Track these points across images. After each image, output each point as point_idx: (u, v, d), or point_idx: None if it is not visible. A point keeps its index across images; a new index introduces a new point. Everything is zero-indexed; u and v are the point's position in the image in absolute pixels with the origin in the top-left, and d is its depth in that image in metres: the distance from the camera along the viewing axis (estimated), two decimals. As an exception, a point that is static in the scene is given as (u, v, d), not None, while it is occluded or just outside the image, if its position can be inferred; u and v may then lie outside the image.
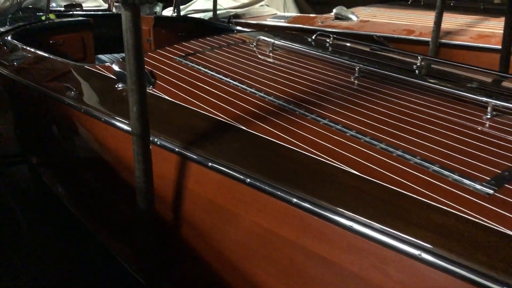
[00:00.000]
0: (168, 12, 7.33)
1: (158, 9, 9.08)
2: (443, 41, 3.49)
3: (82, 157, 2.33)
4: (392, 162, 1.28)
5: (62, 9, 5.39)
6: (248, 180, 1.33)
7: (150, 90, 2.01)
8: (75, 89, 2.20)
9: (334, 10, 4.51)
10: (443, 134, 1.40)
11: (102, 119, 1.92)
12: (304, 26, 4.63)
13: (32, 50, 3.06)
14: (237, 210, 1.40)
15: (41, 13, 4.87)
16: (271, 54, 2.34)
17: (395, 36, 3.74)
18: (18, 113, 3.27)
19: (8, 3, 5.43)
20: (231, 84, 1.93)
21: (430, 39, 3.39)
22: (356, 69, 1.94)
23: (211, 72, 2.07)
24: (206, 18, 5.75)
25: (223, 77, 2.00)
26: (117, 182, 1.99)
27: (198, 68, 2.15)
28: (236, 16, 5.62)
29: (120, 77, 2.11)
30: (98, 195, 2.28)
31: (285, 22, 4.91)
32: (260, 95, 1.79)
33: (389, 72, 1.92)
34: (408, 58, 2.44)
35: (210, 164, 1.45)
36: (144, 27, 4.62)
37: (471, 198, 1.10)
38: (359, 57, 2.32)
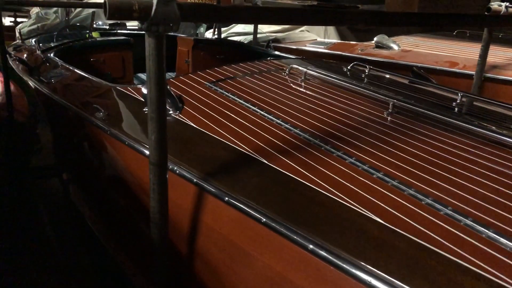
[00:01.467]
0: (209, 34, 7.44)
1: (202, 29, 9.25)
2: (489, 75, 3.33)
3: (106, 179, 2.32)
4: (420, 211, 1.18)
5: (107, 27, 5.55)
6: (264, 219, 1.25)
7: (176, 115, 1.99)
8: (104, 110, 2.20)
9: (375, 39, 4.42)
10: (480, 183, 1.29)
11: (126, 143, 1.90)
12: (344, 53, 4.55)
13: (71, 68, 3.12)
14: (251, 250, 1.32)
15: (86, 31, 5.03)
16: (303, 84, 2.27)
17: (437, 67, 3.60)
18: (54, 128, 3.33)
19: (57, 20, 5.64)
20: (258, 113, 1.88)
21: (474, 72, 3.24)
22: (390, 104, 1.84)
23: (239, 100, 2.03)
24: (246, 42, 5.78)
25: (250, 106, 1.95)
26: (137, 207, 1.95)
27: (226, 95, 2.11)
28: (276, 40, 5.61)
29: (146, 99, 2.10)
30: (119, 218, 2.26)
31: (324, 48, 4.85)
32: (286, 127, 1.72)
33: (425, 110, 1.81)
34: (448, 94, 2.31)
35: (226, 198, 1.38)
36: (184, 48, 4.68)
37: (508, 261, 0.98)
38: (395, 90, 2.22)
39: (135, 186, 1.96)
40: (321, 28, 5.64)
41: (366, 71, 2.53)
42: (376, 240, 1.09)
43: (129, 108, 2.23)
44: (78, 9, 5.45)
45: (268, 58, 2.91)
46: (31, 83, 3.46)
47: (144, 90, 2.12)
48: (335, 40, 5.63)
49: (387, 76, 2.61)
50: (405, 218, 1.15)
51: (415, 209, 1.18)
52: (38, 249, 2.94)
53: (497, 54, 3.68)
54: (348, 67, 2.60)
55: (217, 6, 1.36)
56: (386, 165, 1.40)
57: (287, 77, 2.38)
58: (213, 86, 2.24)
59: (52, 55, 3.60)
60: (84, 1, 6.15)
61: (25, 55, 4.13)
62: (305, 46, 5.09)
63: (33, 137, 4.11)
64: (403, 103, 1.87)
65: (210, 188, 1.46)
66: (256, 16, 1.36)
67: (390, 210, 1.18)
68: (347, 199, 1.24)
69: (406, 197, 1.23)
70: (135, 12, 1.25)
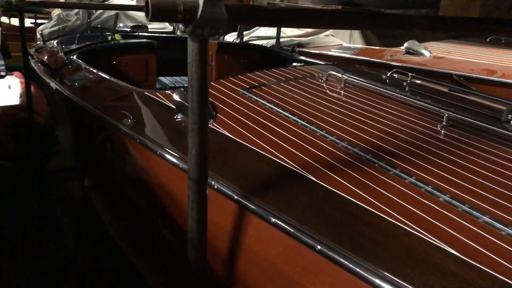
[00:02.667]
0: (231, 37, 7.34)
1: (220, 33, 9.16)
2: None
3: (132, 188, 2.21)
4: (500, 242, 1.03)
5: (129, 29, 5.47)
6: (319, 247, 1.12)
7: (210, 124, 1.86)
8: (132, 116, 2.09)
9: (406, 44, 4.26)
10: None
11: (157, 153, 1.78)
12: (372, 59, 4.40)
13: (94, 71, 3.03)
14: (300, 278, 1.19)
15: (109, 33, 4.96)
16: (342, 92, 2.13)
17: (475, 76, 3.43)
18: (76, 131, 3.24)
19: (78, 22, 5.58)
20: (299, 123, 1.74)
21: (516, 81, 3.07)
22: (444, 116, 1.69)
23: (277, 108, 1.90)
24: (269, 46, 5.66)
25: (289, 115, 1.82)
26: (166, 220, 1.83)
27: (262, 103, 1.98)
28: (300, 45, 5.48)
29: (180, 107, 1.98)
30: (145, 229, 2.14)
31: (351, 54, 4.71)
32: (332, 140, 1.58)
33: (483, 123, 1.66)
34: (498, 105, 2.16)
35: (273, 220, 1.25)
36: (207, 52, 4.57)
37: None
38: (442, 100, 2.07)
39: (164, 198, 1.84)
40: (346, 33, 5.50)
41: (408, 79, 2.37)
42: (455, 277, 0.95)
43: (158, 116, 2.12)
44: (100, 11, 5.38)
45: (299, 64, 2.78)
46: (53, 85, 3.38)
47: (176, 97, 2.00)
48: (360, 45, 5.48)
49: (428, 84, 2.46)
50: (483, 250, 1.01)
51: (494, 239, 1.04)
52: (56, 252, 2.87)
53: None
54: (388, 75, 2.46)
55: (268, 7, 1.23)
56: (451, 186, 1.25)
57: (324, 84, 2.24)
58: (247, 93, 2.12)
59: (75, 57, 3.52)
60: (105, 3, 6.10)
61: (47, 57, 4.06)
62: (331, 51, 4.95)
63: (52, 139, 4.03)
64: (457, 115, 1.73)
65: (253, 206, 1.33)
66: (312, 19, 1.23)
67: (466, 240, 1.04)
68: (414, 226, 1.10)
69: (482, 225, 1.09)
70: (180, 14, 1.13)
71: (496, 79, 3.32)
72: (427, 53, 4.11)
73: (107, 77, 2.87)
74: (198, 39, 1.21)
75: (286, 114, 1.84)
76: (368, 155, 1.45)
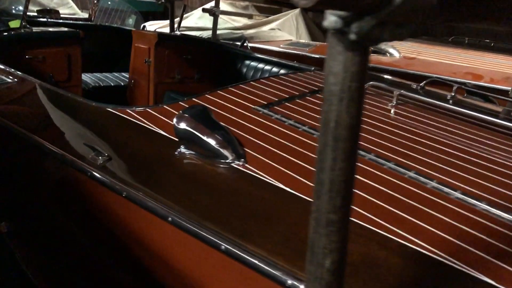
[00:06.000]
0: (151, 27, 6.49)
1: (131, 21, 8.15)
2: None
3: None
4: None
5: (34, 14, 4.43)
6: None
7: (240, 165, 1.22)
8: (101, 150, 1.35)
9: (372, 43, 3.85)
10: None
11: (169, 219, 1.10)
12: (333, 58, 3.93)
13: (12, 71, 2.16)
14: None
15: (8, 18, 3.91)
16: (400, 111, 1.60)
17: (458, 80, 3.10)
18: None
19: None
20: (374, 161, 1.18)
21: (510, 88, 2.78)
22: None
23: (316, 133, 1.31)
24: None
25: None
26: None
27: (294, 126, 1.38)
28: (241, 38, 4.87)
29: (186, 138, 1.30)
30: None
31: (307, 51, 4.21)
32: (459, 198, 1.04)
33: None
34: None
35: None
36: (143, 45, 3.79)
37: None
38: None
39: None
40: (292, 27, 5.01)
41: (453, 92, 1.89)
42: None
43: (144, 149, 1.41)
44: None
45: (308, 69, 2.19)
46: None
47: (181, 124, 1.30)
48: (306, 40, 5.03)
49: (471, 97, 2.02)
50: None
51: None
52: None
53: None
54: (421, 85, 1.96)
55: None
56: None
57: (364, 99, 1.69)
58: (268, 112, 1.50)
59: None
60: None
61: None
62: (283, 48, 4.41)
63: None
64: None
65: None
66: None
67: None
68: None
69: None
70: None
71: (491, 85, 3.02)
72: (395, 53, 3.75)
73: (39, 82, 2.03)
74: (358, 47, 0.59)
75: None
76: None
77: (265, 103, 1.58)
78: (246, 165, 1.22)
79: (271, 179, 1.15)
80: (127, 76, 4.03)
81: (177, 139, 1.32)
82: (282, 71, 3.50)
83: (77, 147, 1.46)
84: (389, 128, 1.44)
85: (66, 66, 3.23)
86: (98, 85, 3.86)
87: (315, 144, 1.30)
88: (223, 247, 0.99)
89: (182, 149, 1.31)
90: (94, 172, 1.30)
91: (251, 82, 1.79)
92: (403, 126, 1.47)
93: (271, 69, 3.59)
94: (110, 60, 4.40)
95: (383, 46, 3.81)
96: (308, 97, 1.65)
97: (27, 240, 2.03)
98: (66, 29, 3.30)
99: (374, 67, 3.60)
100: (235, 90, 1.69)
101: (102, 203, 1.33)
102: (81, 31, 3.27)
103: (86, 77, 4.11)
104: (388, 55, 3.76)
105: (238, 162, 1.23)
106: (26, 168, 1.79)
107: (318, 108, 1.55)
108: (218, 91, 1.68)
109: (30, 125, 1.79)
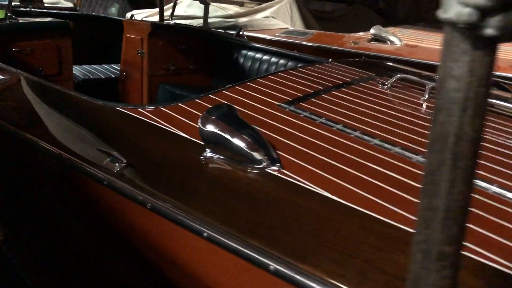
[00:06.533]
0: (138, 15, 6.27)
1: (113, 10, 7.89)
2: None
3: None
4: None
5: (16, 4, 4.20)
6: None
7: (275, 171, 1.11)
8: (119, 157, 1.22)
9: (372, 30, 3.75)
10: None
11: (204, 235, 0.98)
12: (332, 47, 3.83)
13: (7, 68, 2.00)
14: None
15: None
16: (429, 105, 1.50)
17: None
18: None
19: None
20: (405, 156, 1.08)
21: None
22: None
23: (354, 132, 1.21)
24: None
25: (384, 143, 1.15)
26: None
27: (328, 124, 1.28)
28: (235, 27, 4.72)
29: (213, 141, 1.18)
30: None
31: (304, 40, 4.08)
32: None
33: None
34: None
35: None
36: (135, 35, 3.62)
37: None
38: None
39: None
40: (286, 15, 4.87)
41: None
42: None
43: (163, 153, 1.28)
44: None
45: (325, 61, 2.07)
46: None
47: (208, 126, 1.18)
48: (301, 28, 4.91)
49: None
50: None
51: None
52: None
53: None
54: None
55: None
56: None
57: (395, 93, 1.59)
58: (296, 110, 1.38)
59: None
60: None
61: None
62: (279, 37, 4.27)
63: None
64: None
65: None
66: None
67: None
68: None
69: None
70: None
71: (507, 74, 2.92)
72: (396, 41, 3.65)
73: (29, 76, 1.87)
74: (493, 46, 0.48)
75: (388, 146, 1.16)
76: None
77: (289, 99, 1.46)
78: (283, 170, 1.11)
79: (314, 187, 1.04)
80: (118, 68, 3.86)
81: (200, 142, 1.20)
82: (282, 61, 3.39)
83: (87, 152, 1.32)
84: (417, 121, 1.34)
85: (56, 59, 3.05)
86: (88, 78, 3.68)
87: (354, 146, 1.19)
88: (272, 267, 0.88)
89: (208, 153, 1.18)
90: (111, 181, 1.17)
91: (269, 76, 1.67)
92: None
93: (270, 59, 3.46)
94: (99, 52, 4.22)
95: (383, 34, 3.71)
96: (334, 92, 1.54)
97: (27, 250, 1.88)
98: (55, 19, 3.11)
99: (376, 55, 3.51)
100: (253, 85, 1.57)
101: (120, 215, 1.21)
102: (71, 22, 3.09)
103: (75, 69, 3.92)
104: (389, 43, 3.66)
105: (273, 167, 1.11)
106: (26, 172, 1.65)
107: (347, 104, 1.44)
108: (236, 87, 1.55)
109: (28, 125, 1.64)
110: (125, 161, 1.19)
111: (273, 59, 3.43)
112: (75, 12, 4.31)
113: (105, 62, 4.09)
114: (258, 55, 3.57)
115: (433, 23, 4.22)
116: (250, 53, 3.63)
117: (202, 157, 1.19)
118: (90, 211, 1.31)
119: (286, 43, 4.14)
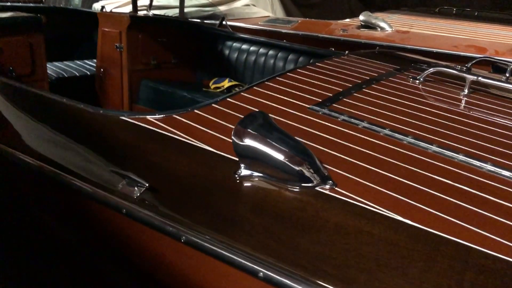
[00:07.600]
0: (108, 5, 5.92)
1: (77, 1, 7.46)
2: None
3: None
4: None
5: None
6: None
7: (327, 189, 0.95)
8: (136, 179, 1.03)
9: (361, 17, 3.61)
10: None
11: (247, 269, 0.81)
12: (320, 35, 3.67)
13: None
14: None
15: None
16: (479, 102, 1.36)
17: (469, 55, 2.92)
18: None
19: None
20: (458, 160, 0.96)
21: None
22: None
23: (397, 135, 1.08)
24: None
25: (432, 146, 1.02)
26: None
27: (374, 130, 1.14)
28: (214, 16, 4.50)
29: (250, 157, 1.01)
30: None
31: (289, 28, 3.91)
32: None
33: None
34: None
35: None
36: (112, 29, 3.36)
37: None
38: None
39: None
40: (267, 3, 4.67)
41: (507, 73, 1.67)
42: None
43: (188, 171, 1.10)
44: None
45: (341, 54, 1.90)
46: None
47: (244, 139, 1.00)
48: (282, 16, 4.73)
49: None
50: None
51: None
52: None
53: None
54: (468, 65, 1.72)
55: None
56: None
57: (429, 88, 1.45)
58: (331, 113, 1.23)
59: None
60: None
61: None
62: (262, 26, 4.08)
63: None
64: None
65: None
66: None
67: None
68: None
69: None
70: None
71: (498, 58, 2.85)
72: (387, 27, 3.53)
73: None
74: None
75: (436, 149, 1.03)
76: None
77: (319, 100, 1.30)
78: (336, 188, 0.95)
79: (381, 208, 0.88)
80: (93, 64, 3.60)
81: (227, 155, 1.03)
82: (271, 52, 3.22)
83: (93, 173, 1.13)
84: (471, 122, 1.21)
85: (28, 57, 2.78)
86: (63, 76, 3.40)
87: (410, 153, 1.04)
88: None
89: (244, 170, 1.01)
90: (131, 208, 0.98)
91: (288, 74, 1.50)
92: (484, 118, 1.24)
93: (258, 50, 3.29)
94: (70, 47, 3.93)
95: (373, 20, 3.58)
96: (365, 90, 1.39)
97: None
98: (26, 14, 2.82)
99: (368, 43, 3.38)
100: (273, 85, 1.39)
101: (142, 249, 1.02)
102: (43, 16, 2.82)
103: (52, 66, 3.64)
104: (379, 29, 3.53)
105: (324, 185, 0.95)
106: (26, 199, 1.43)
107: (385, 104, 1.29)
108: (254, 87, 1.38)
109: (7, 138, 1.42)
110: (146, 184, 1.00)
111: (262, 50, 3.26)
112: (41, 5, 3.99)
113: (78, 58, 3.82)
114: (245, 46, 3.39)
115: (415, 8, 4.13)
116: (236, 44, 3.44)
117: (236, 175, 1.01)
118: (105, 244, 1.12)
119: (271, 32, 3.96)
